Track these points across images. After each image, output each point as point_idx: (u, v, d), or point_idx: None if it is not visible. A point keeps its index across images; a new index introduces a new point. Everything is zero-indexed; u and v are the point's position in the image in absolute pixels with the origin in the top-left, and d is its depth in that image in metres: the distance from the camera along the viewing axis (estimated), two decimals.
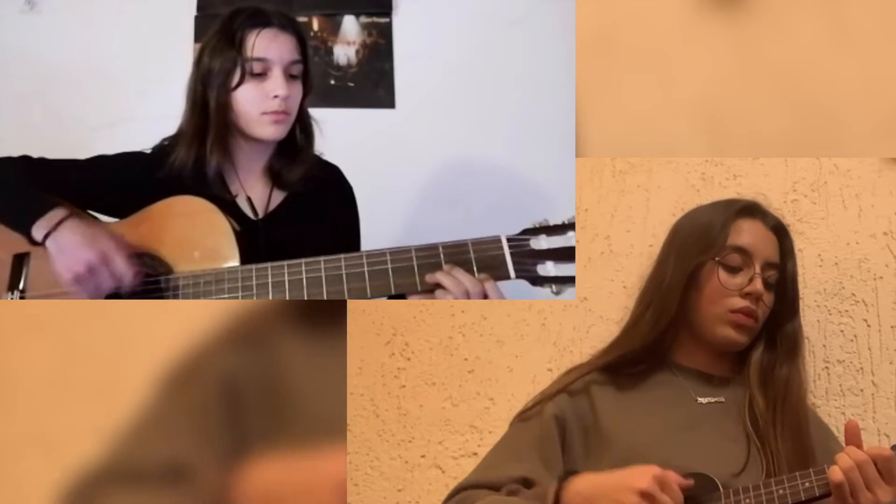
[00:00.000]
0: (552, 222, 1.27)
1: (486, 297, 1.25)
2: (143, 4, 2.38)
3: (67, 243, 1.29)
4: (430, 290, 1.27)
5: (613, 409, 1.30)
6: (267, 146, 1.49)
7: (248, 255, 1.35)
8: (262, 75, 1.40)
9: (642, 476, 1.12)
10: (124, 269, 1.30)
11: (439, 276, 1.26)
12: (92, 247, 1.29)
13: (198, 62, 1.44)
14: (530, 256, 1.26)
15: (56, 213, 1.31)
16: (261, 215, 1.48)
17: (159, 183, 1.42)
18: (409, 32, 2.39)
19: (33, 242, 1.33)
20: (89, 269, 1.28)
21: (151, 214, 1.40)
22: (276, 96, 1.40)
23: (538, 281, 1.26)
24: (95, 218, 1.44)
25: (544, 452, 1.27)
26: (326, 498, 0.91)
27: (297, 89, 1.45)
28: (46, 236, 1.30)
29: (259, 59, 1.39)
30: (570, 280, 1.26)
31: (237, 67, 1.39)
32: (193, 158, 1.42)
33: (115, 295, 1.33)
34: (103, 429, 0.99)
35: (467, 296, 1.24)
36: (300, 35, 1.45)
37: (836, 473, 1.10)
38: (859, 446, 1.13)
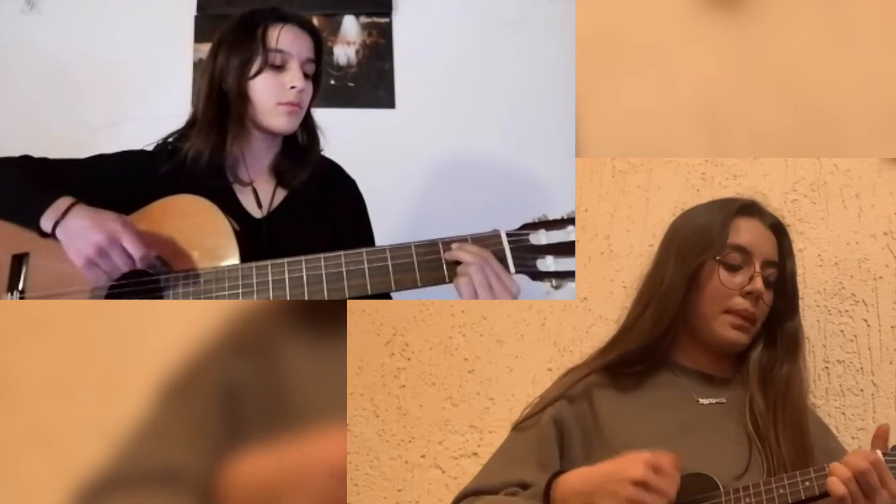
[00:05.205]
0: (551, 217, 1.26)
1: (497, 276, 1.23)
2: (143, 4, 2.38)
3: (76, 229, 1.28)
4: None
5: (614, 411, 1.30)
6: (274, 142, 1.51)
7: (250, 252, 1.35)
8: (280, 67, 1.43)
9: (634, 465, 1.10)
10: (136, 246, 1.28)
11: (456, 252, 1.25)
12: (100, 228, 1.27)
13: (214, 56, 1.46)
14: (530, 251, 1.25)
15: (62, 202, 1.30)
16: (264, 213, 1.49)
17: (161, 180, 1.42)
18: (409, 32, 2.39)
19: (43, 235, 1.32)
20: (100, 251, 1.27)
21: (151, 213, 1.40)
22: (293, 87, 1.43)
23: (538, 276, 1.25)
24: None
25: (542, 456, 1.26)
26: (325, 484, 0.87)
27: (310, 87, 1.48)
28: (55, 226, 1.29)
29: (280, 51, 1.43)
30: (569, 275, 1.25)
31: (257, 57, 1.42)
32: (210, 148, 1.44)
33: (119, 293, 1.33)
34: (103, 429, 0.99)
35: (483, 271, 1.23)
36: (318, 37, 1.50)
37: (837, 486, 1.08)
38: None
